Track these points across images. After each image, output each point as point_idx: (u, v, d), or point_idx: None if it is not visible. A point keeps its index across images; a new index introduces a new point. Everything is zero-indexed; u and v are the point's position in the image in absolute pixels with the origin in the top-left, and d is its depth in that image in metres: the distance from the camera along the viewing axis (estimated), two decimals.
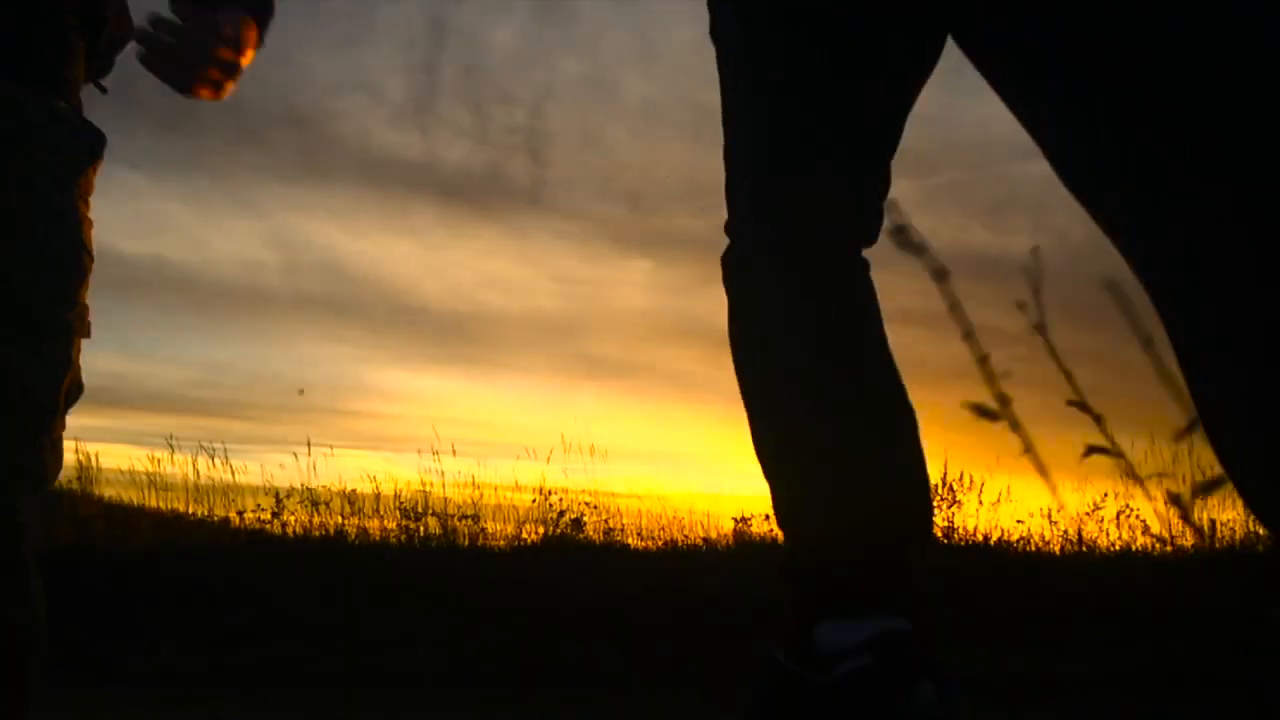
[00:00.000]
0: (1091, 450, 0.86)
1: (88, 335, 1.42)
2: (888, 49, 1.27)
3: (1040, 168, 1.05)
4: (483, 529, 6.56)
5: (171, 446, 7.61)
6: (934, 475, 6.43)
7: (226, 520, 7.04)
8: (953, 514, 6.19)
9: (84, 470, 7.63)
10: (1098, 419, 0.85)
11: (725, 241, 1.50)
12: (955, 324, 0.90)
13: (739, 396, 1.55)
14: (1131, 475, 0.88)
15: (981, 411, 0.88)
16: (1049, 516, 5.92)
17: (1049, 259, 0.98)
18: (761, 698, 1.49)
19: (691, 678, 4.25)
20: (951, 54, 1.36)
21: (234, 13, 1.39)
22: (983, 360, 0.88)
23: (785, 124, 1.29)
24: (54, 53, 1.37)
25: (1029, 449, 0.88)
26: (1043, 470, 0.88)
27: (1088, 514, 5.99)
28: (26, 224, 1.31)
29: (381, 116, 11.61)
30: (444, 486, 7.00)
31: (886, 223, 0.87)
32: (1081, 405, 0.85)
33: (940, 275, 0.92)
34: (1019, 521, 5.98)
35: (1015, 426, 0.88)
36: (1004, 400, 0.89)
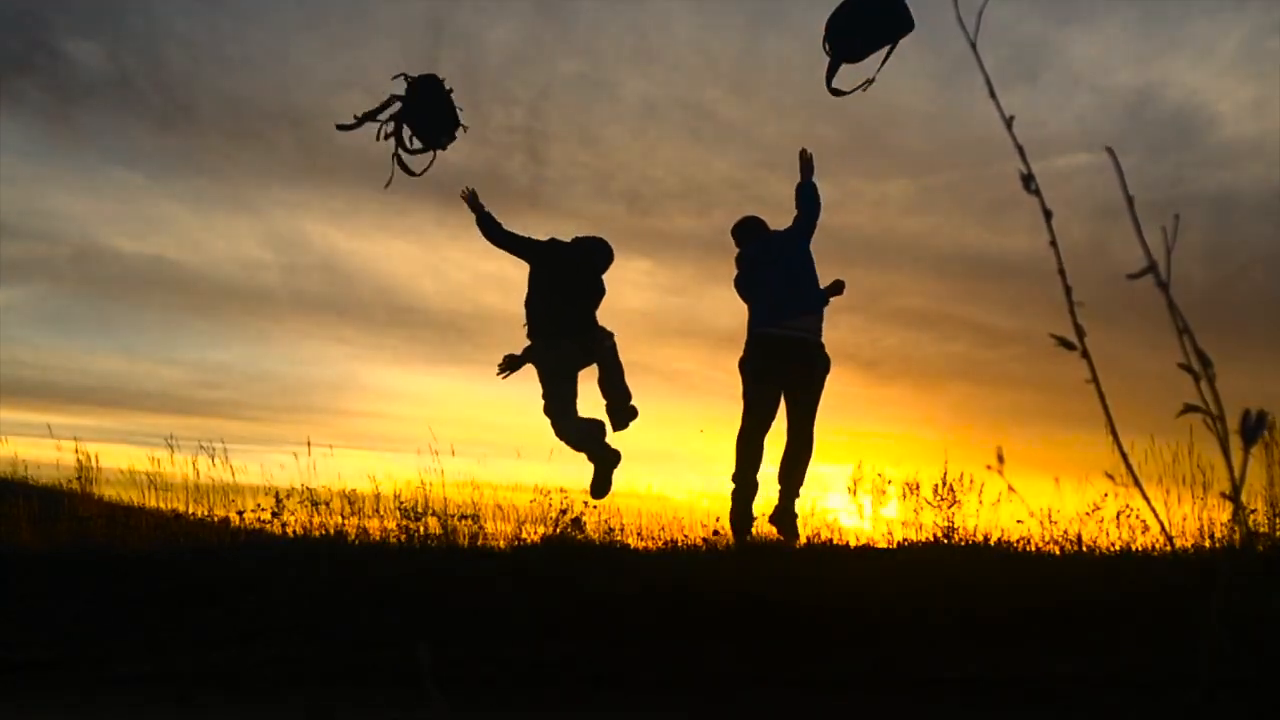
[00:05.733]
0: (1189, 408, 0.90)
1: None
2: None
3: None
4: (482, 528, 6.56)
5: (171, 446, 7.62)
6: (934, 475, 6.47)
7: (226, 520, 7.03)
8: (953, 514, 6.17)
9: (84, 470, 7.64)
10: (1197, 378, 0.89)
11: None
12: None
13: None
14: (1221, 439, 0.90)
15: (1062, 342, 0.96)
16: (1048, 518, 5.92)
17: (1046, 261, 1.00)
18: None
19: (691, 678, 4.25)
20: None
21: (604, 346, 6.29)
22: (1068, 291, 0.95)
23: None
24: None
25: (1093, 378, 0.95)
26: (1103, 401, 0.93)
27: (1087, 514, 5.97)
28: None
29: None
30: (444, 486, 7.00)
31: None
32: (1186, 367, 0.89)
33: (1025, 177, 1.03)
34: (1019, 521, 5.96)
35: (1086, 355, 0.94)
36: (1081, 332, 0.94)
